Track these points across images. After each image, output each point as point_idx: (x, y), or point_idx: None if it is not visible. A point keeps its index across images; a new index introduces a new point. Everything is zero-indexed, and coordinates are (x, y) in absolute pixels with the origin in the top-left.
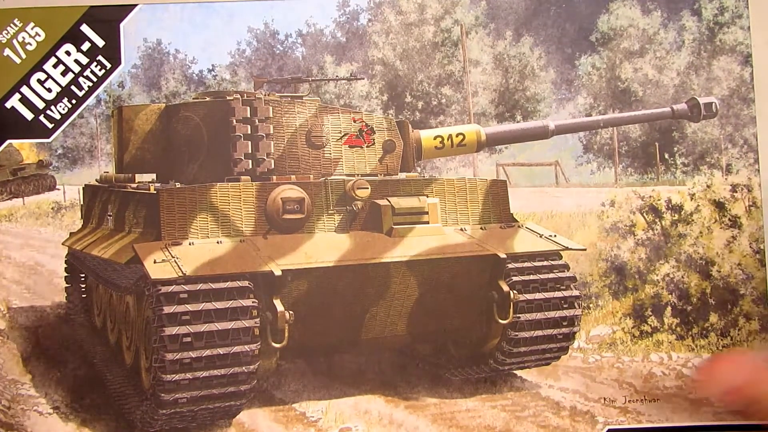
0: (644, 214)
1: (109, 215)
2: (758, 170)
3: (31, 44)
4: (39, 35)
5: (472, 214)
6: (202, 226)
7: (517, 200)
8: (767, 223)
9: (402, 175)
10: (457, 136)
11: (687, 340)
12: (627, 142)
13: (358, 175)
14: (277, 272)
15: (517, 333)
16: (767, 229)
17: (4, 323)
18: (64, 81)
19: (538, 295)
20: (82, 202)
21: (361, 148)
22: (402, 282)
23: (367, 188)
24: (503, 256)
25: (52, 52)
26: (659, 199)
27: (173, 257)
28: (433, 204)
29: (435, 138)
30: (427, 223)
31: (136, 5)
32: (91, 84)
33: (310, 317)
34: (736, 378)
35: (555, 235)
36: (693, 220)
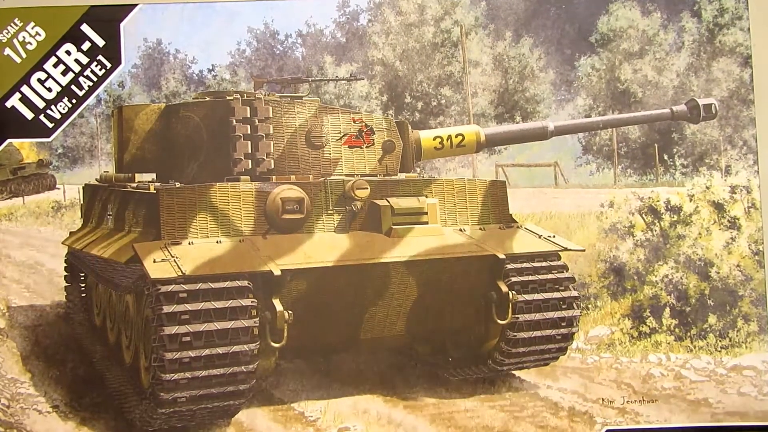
0: (643, 215)
1: (109, 214)
2: (757, 172)
3: (31, 44)
4: (39, 35)
5: (471, 215)
6: (202, 226)
7: (517, 201)
8: (766, 224)
9: (401, 176)
10: (456, 136)
11: (685, 341)
12: (626, 143)
13: (357, 175)
14: (276, 272)
15: (515, 333)
16: (766, 230)
17: (4, 322)
18: (64, 80)
19: (536, 296)
20: (82, 202)
21: (361, 148)
22: (401, 282)
23: (367, 188)
24: (502, 256)
25: (52, 51)
26: (658, 200)
27: (173, 257)
28: (432, 204)
29: (434, 138)
30: (426, 223)
31: (136, 5)
32: (91, 83)
33: (309, 317)
34: None
35: (554, 236)
36: (692, 222)
